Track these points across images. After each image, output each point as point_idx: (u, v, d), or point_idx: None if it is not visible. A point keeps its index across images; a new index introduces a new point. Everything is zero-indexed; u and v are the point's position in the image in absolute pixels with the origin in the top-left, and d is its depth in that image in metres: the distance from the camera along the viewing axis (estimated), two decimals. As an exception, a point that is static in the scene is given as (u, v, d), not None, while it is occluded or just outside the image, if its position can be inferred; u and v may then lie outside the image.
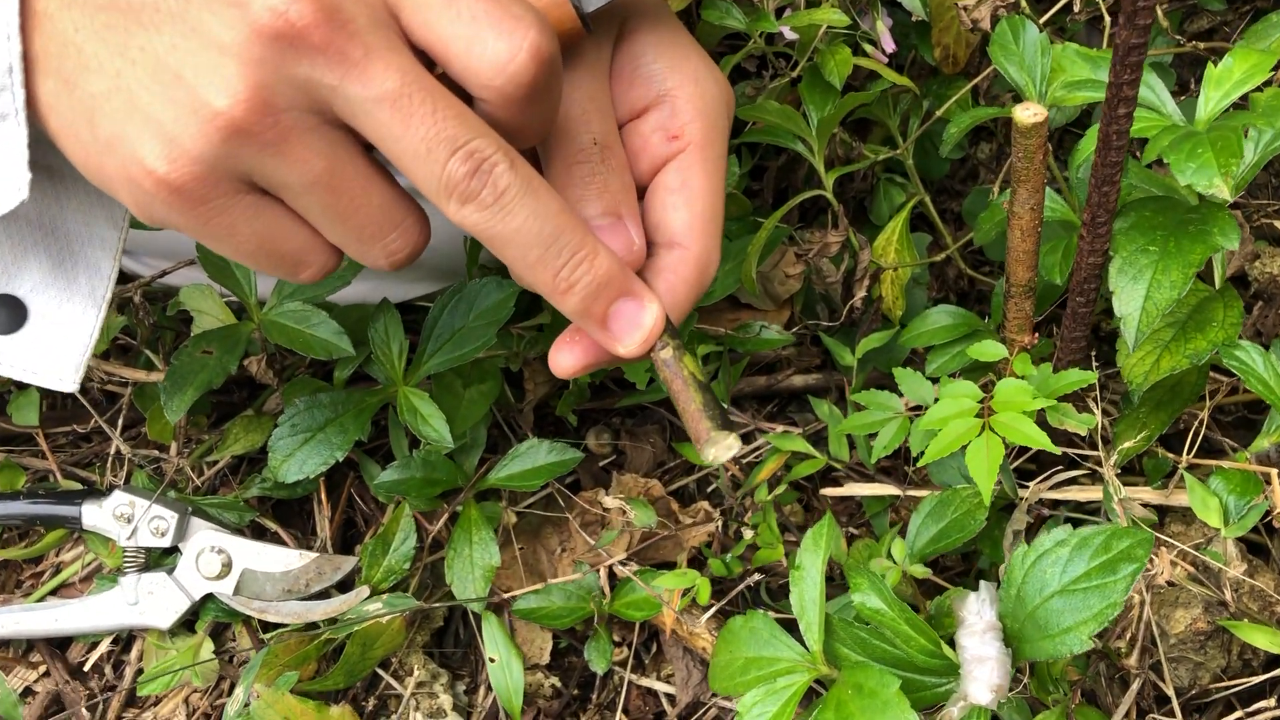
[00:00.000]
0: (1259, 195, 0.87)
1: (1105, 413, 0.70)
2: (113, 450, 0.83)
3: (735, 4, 0.77)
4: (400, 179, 0.47)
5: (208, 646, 0.76)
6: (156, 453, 0.83)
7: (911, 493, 0.74)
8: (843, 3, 0.77)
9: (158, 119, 0.42)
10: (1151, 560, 0.62)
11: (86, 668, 0.78)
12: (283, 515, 0.82)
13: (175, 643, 0.76)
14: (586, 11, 0.49)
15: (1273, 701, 0.66)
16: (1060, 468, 0.70)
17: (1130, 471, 0.73)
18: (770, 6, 0.76)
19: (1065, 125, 0.88)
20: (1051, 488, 0.71)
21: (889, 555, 0.68)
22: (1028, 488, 0.69)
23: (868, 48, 0.79)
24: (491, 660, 0.74)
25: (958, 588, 0.66)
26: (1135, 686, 0.65)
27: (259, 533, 0.80)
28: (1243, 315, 0.65)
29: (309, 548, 0.78)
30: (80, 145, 0.45)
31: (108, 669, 0.78)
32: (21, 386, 0.85)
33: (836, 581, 0.75)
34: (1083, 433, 0.65)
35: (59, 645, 0.79)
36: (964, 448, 0.61)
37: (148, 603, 0.75)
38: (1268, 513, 0.64)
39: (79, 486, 0.82)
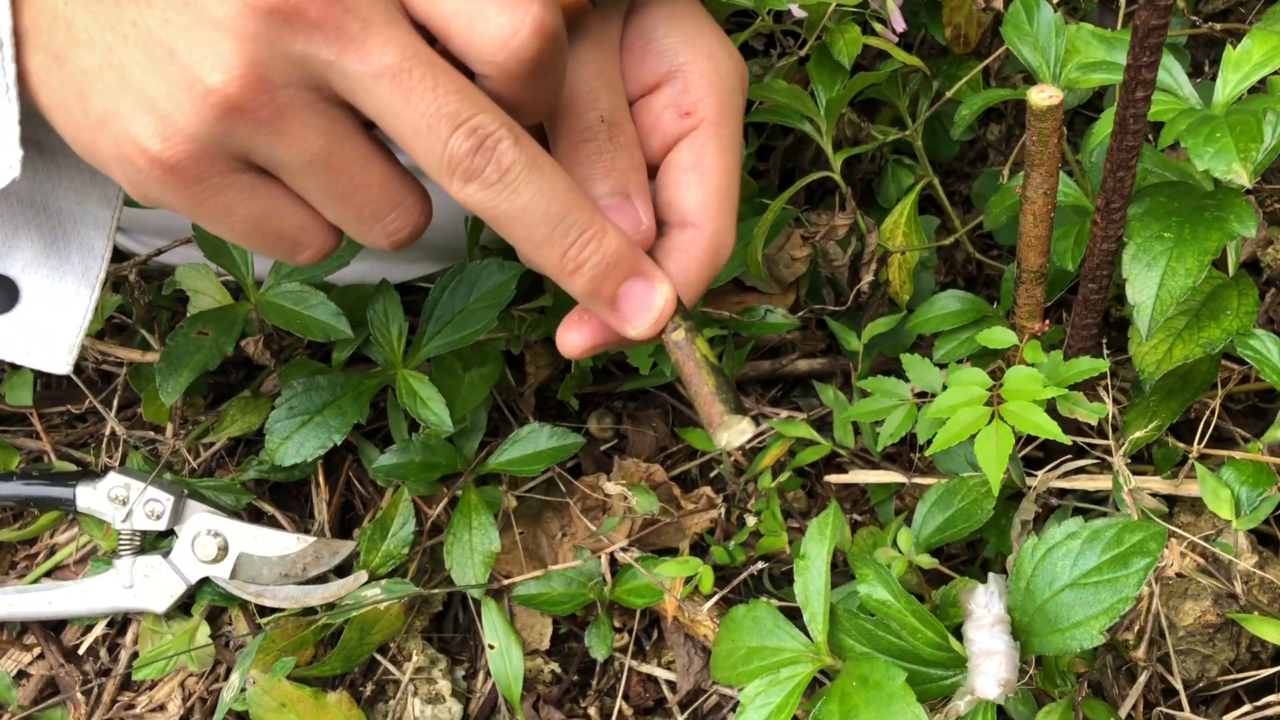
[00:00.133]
0: (1272, 180, 0.86)
1: (1115, 401, 0.69)
2: (108, 431, 0.82)
3: (743, -19, 0.75)
4: (403, 158, 0.46)
5: (204, 630, 0.75)
6: (152, 434, 0.82)
7: (917, 480, 0.74)
8: (853, -20, 0.76)
9: (150, 95, 0.41)
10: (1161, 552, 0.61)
11: (81, 650, 0.77)
12: (280, 498, 0.81)
13: (171, 626, 0.75)
14: None
15: (1281, 695, 0.66)
16: (1069, 456, 0.69)
17: (1139, 460, 0.72)
18: (778, -16, 0.75)
19: (1077, 107, 0.86)
20: (1060, 477, 0.70)
21: (894, 544, 0.67)
22: (1036, 477, 0.68)
23: (877, 26, 0.77)
24: (491, 647, 0.73)
25: (964, 578, 0.65)
26: (1143, 679, 0.64)
27: (256, 516, 0.79)
28: (1257, 303, 0.64)
29: (306, 531, 0.78)
30: (72, 122, 0.44)
31: (103, 652, 0.77)
32: (15, 366, 0.84)
33: (840, 569, 0.74)
34: (1093, 422, 0.64)
35: (53, 628, 0.78)
36: (972, 436, 0.60)
37: (143, 586, 0.74)
38: (1280, 505, 0.63)
39: (73, 468, 0.81)
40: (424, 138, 0.41)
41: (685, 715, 0.74)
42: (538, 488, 0.80)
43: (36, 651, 0.77)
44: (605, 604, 0.75)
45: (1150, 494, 0.68)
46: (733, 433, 0.47)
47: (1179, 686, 0.65)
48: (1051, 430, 0.58)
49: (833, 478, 0.76)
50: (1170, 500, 0.69)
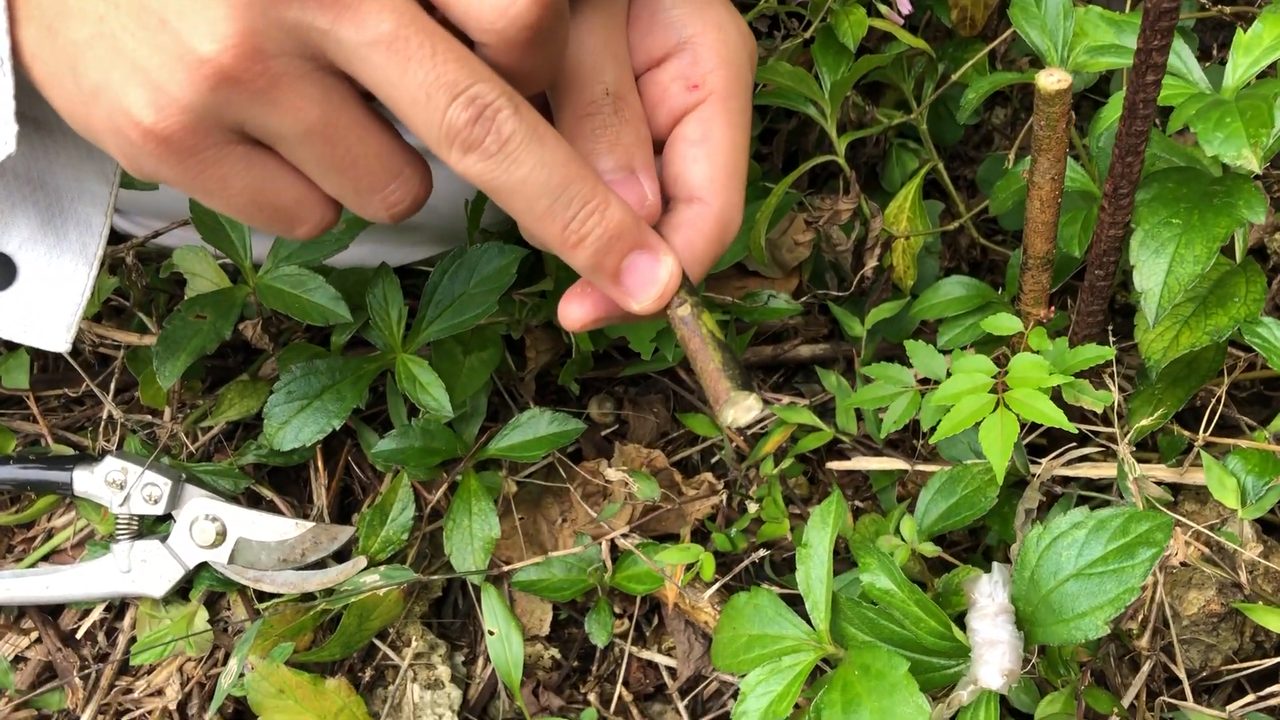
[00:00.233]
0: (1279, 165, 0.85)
1: (1119, 388, 0.69)
2: (105, 415, 0.81)
3: (747, -38, 0.75)
4: (408, 135, 0.45)
5: (202, 616, 0.75)
6: (149, 418, 0.81)
7: (920, 467, 0.73)
8: (858, -38, 0.75)
9: (143, 67, 0.40)
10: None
11: (79, 635, 0.77)
12: (278, 482, 0.81)
13: (169, 611, 0.75)
14: None
15: (1285, 684, 0.65)
16: (1073, 444, 0.69)
17: (1143, 448, 0.72)
18: (783, -35, 0.74)
19: (1084, 91, 0.86)
20: (1064, 464, 0.69)
21: (897, 532, 0.67)
22: (1040, 464, 0.68)
23: (883, 9, 0.77)
24: (491, 633, 0.73)
25: (967, 565, 0.65)
26: (1146, 668, 0.64)
27: (254, 500, 0.79)
28: (1265, 290, 0.63)
29: (305, 516, 0.77)
30: (65, 95, 0.43)
31: (100, 636, 0.77)
32: (12, 348, 0.83)
33: (842, 556, 0.74)
34: (1098, 410, 0.63)
35: (51, 612, 0.78)
36: (977, 424, 0.60)
37: (141, 571, 0.74)
38: (1286, 493, 0.62)
39: (70, 451, 0.80)
40: (421, 107, 0.41)
41: (685, 702, 0.73)
42: (538, 473, 0.80)
43: (34, 636, 0.77)
44: (606, 590, 0.75)
45: (1155, 482, 0.68)
46: (739, 410, 0.46)
47: (1182, 676, 0.65)
48: (1057, 419, 0.58)
49: (835, 464, 0.76)
50: (1175, 489, 0.69)
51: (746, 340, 0.81)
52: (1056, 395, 0.62)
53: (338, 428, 0.72)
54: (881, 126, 0.80)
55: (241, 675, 0.68)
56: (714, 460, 0.81)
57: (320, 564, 0.74)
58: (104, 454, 0.75)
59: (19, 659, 0.76)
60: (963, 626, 0.56)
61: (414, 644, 0.74)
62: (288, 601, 0.74)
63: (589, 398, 0.84)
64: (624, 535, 0.75)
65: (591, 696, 0.74)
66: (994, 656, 0.52)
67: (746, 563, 0.73)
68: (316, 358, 0.75)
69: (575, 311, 0.49)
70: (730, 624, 0.61)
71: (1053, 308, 0.66)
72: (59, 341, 0.56)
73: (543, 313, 0.79)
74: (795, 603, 0.59)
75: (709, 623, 0.72)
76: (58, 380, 0.84)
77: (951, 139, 0.89)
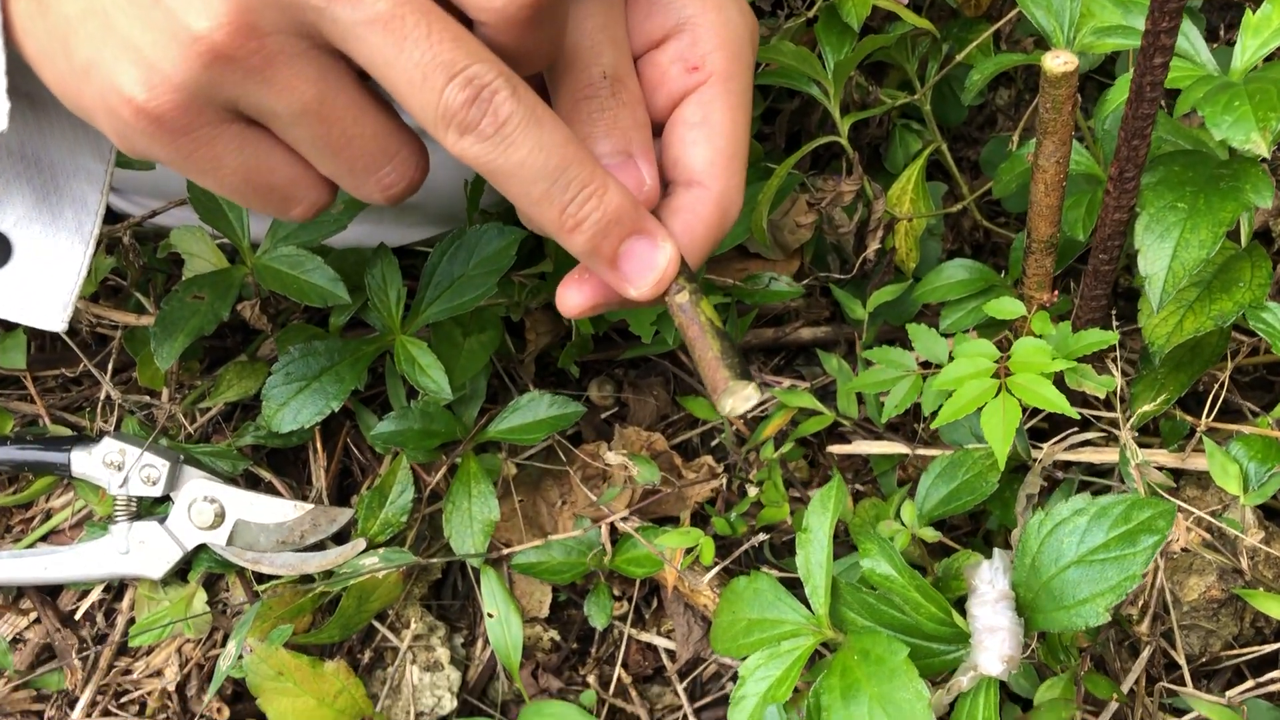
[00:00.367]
0: (1285, 149, 0.84)
1: (1122, 373, 0.68)
2: (102, 395, 0.81)
3: (750, -60, 0.74)
4: (406, 118, 0.45)
5: (200, 597, 0.75)
6: (147, 398, 0.81)
7: (921, 451, 0.73)
8: (863, -60, 0.74)
9: (135, 44, 0.40)
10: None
11: (78, 616, 0.77)
12: (277, 464, 0.81)
13: (167, 593, 0.75)
14: None
15: (1284, 670, 0.65)
16: (1075, 429, 0.68)
17: (1146, 433, 0.72)
18: (787, -57, 0.73)
19: (1089, 72, 0.85)
20: (1066, 449, 0.69)
21: (897, 516, 0.66)
22: (1041, 449, 0.68)
23: (887, -12, 0.76)
24: (490, 615, 0.73)
25: (968, 551, 0.64)
26: (1145, 654, 0.64)
27: (253, 482, 0.79)
28: (1270, 275, 0.63)
29: (304, 498, 0.77)
30: (57, 71, 0.42)
31: (99, 617, 0.77)
32: (9, 328, 0.83)
33: (842, 539, 0.74)
34: (1101, 395, 0.63)
35: (49, 593, 0.78)
36: (979, 409, 0.59)
37: (139, 552, 0.74)
38: (1289, 479, 0.62)
39: (68, 432, 0.80)
40: (417, 88, 0.40)
41: (684, 684, 0.73)
42: (537, 456, 0.80)
43: (33, 616, 0.77)
44: (605, 573, 0.75)
45: (1157, 467, 0.68)
46: (738, 399, 0.45)
47: (1182, 661, 0.65)
48: (1060, 404, 0.58)
49: (835, 448, 0.75)
50: (1177, 474, 0.69)
51: (748, 323, 0.81)
52: (1059, 380, 0.62)
53: (336, 409, 0.72)
54: (885, 107, 0.79)
55: (240, 657, 0.68)
56: (714, 443, 0.81)
57: (319, 546, 0.74)
58: (102, 435, 0.75)
59: (18, 640, 0.76)
60: (963, 612, 0.56)
61: (413, 626, 0.74)
62: (286, 583, 0.73)
63: (589, 380, 0.84)
64: (623, 518, 0.75)
65: (590, 679, 0.74)
66: (994, 643, 0.52)
67: (746, 546, 0.73)
68: (315, 339, 0.74)
69: (573, 298, 0.49)
70: (729, 608, 0.61)
71: (1056, 292, 0.66)
72: (55, 321, 0.55)
73: (542, 295, 0.79)
74: (795, 587, 0.59)
75: (708, 606, 0.72)
76: (55, 360, 0.84)
77: (955, 120, 0.88)
